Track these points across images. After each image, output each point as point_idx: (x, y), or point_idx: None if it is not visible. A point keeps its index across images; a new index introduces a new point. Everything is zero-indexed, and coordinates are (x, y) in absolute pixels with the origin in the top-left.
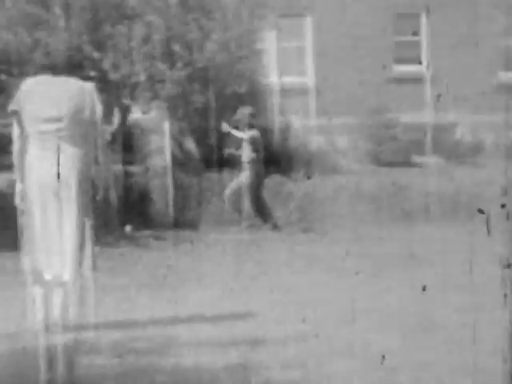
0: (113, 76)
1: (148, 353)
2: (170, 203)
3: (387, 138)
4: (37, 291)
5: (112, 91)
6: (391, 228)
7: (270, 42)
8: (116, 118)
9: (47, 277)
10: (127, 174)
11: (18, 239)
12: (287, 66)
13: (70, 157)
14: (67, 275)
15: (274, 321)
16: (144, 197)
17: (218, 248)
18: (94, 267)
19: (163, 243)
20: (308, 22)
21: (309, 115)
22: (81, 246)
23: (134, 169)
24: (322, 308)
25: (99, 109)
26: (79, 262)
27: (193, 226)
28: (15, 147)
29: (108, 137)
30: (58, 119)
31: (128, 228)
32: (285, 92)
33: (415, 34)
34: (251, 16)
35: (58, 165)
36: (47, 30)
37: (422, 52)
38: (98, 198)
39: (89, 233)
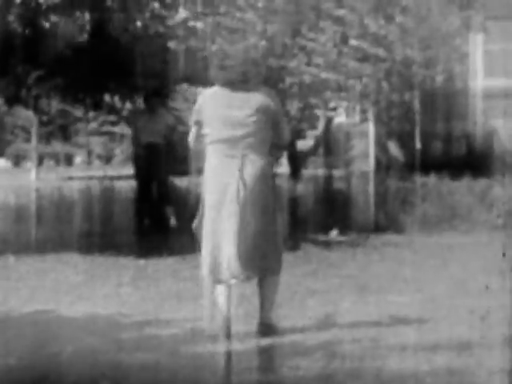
0: (310, 79)
1: (352, 356)
2: (374, 207)
3: None
4: (219, 292)
5: (310, 95)
6: None
7: (475, 45)
8: (320, 122)
9: (227, 279)
10: (331, 178)
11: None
12: (493, 69)
13: (254, 162)
14: (247, 277)
15: (480, 325)
16: (347, 201)
17: (423, 252)
18: (279, 270)
19: (367, 247)
20: None
21: None
22: (265, 249)
23: (337, 173)
24: None
25: (281, 112)
26: (264, 265)
27: (397, 229)
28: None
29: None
30: (242, 125)
31: (334, 233)
32: (489, 95)
33: None
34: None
35: (243, 171)
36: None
37: None
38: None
39: (275, 236)
